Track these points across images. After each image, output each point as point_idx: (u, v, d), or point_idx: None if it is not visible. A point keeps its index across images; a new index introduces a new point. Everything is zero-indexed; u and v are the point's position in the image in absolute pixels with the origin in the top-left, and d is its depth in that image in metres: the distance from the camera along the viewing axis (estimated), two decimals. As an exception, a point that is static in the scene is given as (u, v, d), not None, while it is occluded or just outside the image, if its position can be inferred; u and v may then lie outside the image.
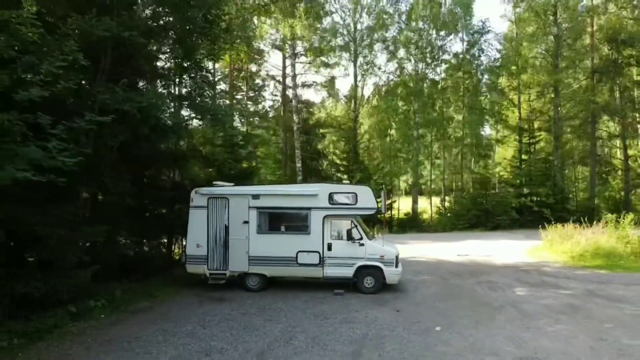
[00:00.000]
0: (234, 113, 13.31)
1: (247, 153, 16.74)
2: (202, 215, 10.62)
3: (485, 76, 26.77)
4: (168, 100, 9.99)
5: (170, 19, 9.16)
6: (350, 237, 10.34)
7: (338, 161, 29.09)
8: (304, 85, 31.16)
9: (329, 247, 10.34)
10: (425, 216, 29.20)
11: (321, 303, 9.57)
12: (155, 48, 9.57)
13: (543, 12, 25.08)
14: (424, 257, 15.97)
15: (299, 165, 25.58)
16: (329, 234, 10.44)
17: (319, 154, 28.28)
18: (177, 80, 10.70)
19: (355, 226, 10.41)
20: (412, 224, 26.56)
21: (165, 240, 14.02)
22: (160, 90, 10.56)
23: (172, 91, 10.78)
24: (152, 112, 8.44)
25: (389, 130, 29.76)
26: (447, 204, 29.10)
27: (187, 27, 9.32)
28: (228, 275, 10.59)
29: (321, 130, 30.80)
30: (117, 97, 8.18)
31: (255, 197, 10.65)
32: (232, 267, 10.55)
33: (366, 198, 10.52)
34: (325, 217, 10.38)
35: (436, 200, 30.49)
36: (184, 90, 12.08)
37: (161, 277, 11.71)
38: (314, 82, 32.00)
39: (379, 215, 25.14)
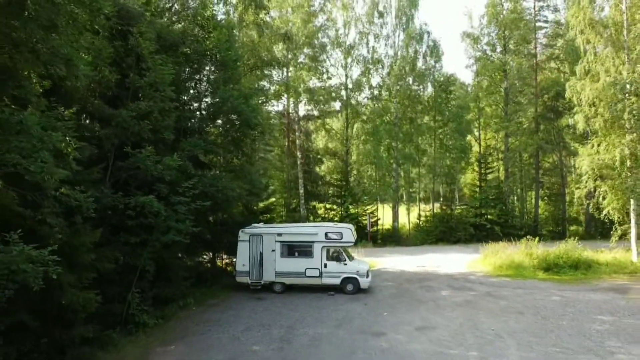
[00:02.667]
0: (264, 182, 19.68)
1: (267, 195, 23.20)
2: (246, 246, 17.01)
3: (451, 119, 33.14)
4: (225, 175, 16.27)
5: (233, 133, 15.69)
6: (338, 259, 16.75)
7: (334, 185, 35.59)
8: (305, 117, 37.43)
9: (325, 266, 16.72)
10: (405, 230, 35.70)
11: (320, 300, 15.94)
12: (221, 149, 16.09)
13: (495, 71, 31.64)
14: (392, 268, 22.29)
15: (301, 191, 31.96)
16: (325, 257, 16.80)
17: (318, 181, 34.74)
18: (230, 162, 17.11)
19: (341, 252, 16.83)
20: (393, 238, 32.99)
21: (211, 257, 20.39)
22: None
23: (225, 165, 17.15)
24: (224, 191, 14.80)
25: (375, 159, 36.13)
26: (422, 220, 35.59)
27: (240, 136, 15.77)
28: (262, 283, 16.98)
29: (319, 156, 37.27)
30: (205, 182, 14.54)
31: (279, 234, 17.05)
32: (265, 278, 16.94)
33: (348, 235, 16.90)
34: (322, 247, 16.75)
35: (414, 216, 36.99)
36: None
37: (216, 285, 18.05)
38: (313, 114, 38.12)
39: (366, 231, 31.61)
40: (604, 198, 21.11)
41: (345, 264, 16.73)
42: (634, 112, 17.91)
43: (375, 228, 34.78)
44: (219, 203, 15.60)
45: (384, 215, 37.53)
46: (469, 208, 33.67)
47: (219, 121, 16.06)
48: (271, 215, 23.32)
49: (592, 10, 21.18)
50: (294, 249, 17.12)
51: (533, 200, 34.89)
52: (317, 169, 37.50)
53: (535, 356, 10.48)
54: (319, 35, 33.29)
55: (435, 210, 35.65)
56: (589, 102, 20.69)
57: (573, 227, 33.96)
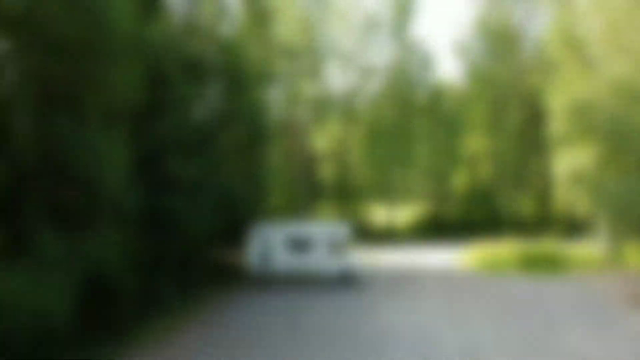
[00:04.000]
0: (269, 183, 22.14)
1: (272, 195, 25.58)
2: (257, 241, 19.27)
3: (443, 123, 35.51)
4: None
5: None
6: (337, 252, 19.05)
7: (334, 186, 37.97)
8: (306, 121, 39.71)
9: (326, 258, 18.98)
10: (399, 228, 38.08)
11: (321, 287, 18.20)
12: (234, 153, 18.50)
13: (483, 79, 34.07)
14: (385, 261, 24.52)
15: (303, 191, 34.29)
16: (326, 250, 19.06)
17: (318, 182, 37.10)
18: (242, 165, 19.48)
19: (340, 246, 19.12)
20: (388, 235, 35.30)
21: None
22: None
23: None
24: (238, 192, 17.10)
25: (372, 161, 38.41)
26: (416, 218, 37.96)
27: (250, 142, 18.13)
28: (271, 273, 19.26)
29: (319, 158, 39.68)
30: (223, 183, 16.82)
31: (286, 230, 19.34)
32: (273, 269, 19.21)
33: (346, 231, 19.19)
34: (323, 241, 19.01)
35: (408, 215, 39.35)
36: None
37: (229, 275, 20.32)
38: (314, 118, 40.36)
39: (363, 229, 33.81)
40: (578, 199, 23.43)
41: (344, 257, 19.03)
42: (594, 125, 20.22)
43: (371, 226, 36.99)
44: (234, 202, 17.90)
45: (380, 214, 39.84)
46: (460, 207, 35.98)
47: (232, 129, 18.36)
48: (275, 214, 25.58)
49: (567, 30, 23.50)
50: (298, 243, 19.38)
51: (520, 200, 37.20)
52: (318, 170, 39.81)
53: (491, 323, 12.88)
54: (318, 44, 35.60)
55: (428, 209, 38.01)
56: (563, 112, 23.01)
57: (558, 226, 36.23)
